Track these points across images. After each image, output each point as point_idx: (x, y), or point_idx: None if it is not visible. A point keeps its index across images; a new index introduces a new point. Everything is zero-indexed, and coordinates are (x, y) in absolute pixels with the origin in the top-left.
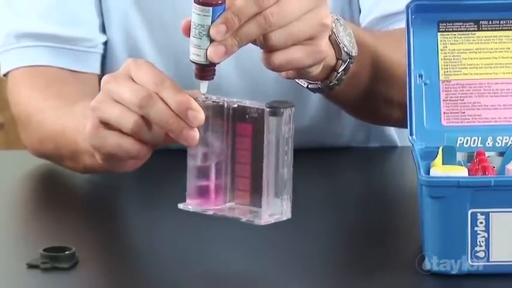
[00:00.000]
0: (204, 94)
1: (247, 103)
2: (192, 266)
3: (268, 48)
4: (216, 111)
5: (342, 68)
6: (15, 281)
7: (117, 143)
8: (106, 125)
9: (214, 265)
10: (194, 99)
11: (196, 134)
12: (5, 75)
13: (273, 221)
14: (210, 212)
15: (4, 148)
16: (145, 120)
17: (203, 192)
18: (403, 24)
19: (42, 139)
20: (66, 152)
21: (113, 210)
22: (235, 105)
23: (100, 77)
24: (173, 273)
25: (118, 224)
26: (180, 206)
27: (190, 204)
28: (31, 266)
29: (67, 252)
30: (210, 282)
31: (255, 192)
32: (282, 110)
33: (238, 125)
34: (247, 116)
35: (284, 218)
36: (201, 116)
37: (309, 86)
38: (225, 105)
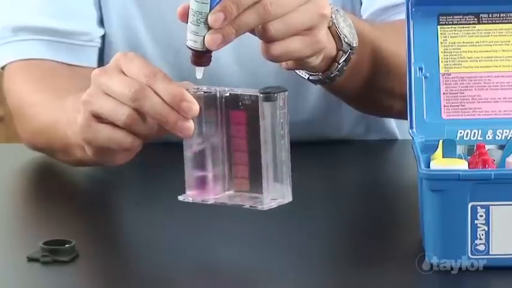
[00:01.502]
0: (196, 86)
1: (239, 91)
2: (191, 257)
3: (267, 39)
4: (208, 101)
5: (343, 58)
6: (16, 274)
7: (110, 136)
8: (98, 118)
9: (213, 256)
10: (188, 90)
11: (191, 125)
12: (2, 68)
13: (275, 206)
14: (211, 202)
15: (4, 141)
16: (139, 112)
17: (202, 183)
18: (404, 15)
19: (34, 132)
20: (58, 146)
21: (113, 204)
22: (228, 94)
23: None
24: (172, 265)
25: (118, 217)
26: (180, 198)
27: (189, 196)
28: (31, 260)
29: (67, 246)
30: (208, 273)
31: (254, 178)
32: (275, 95)
33: (232, 113)
34: (240, 104)
35: (286, 202)
36: (195, 107)
37: (310, 78)
38: (218, 95)
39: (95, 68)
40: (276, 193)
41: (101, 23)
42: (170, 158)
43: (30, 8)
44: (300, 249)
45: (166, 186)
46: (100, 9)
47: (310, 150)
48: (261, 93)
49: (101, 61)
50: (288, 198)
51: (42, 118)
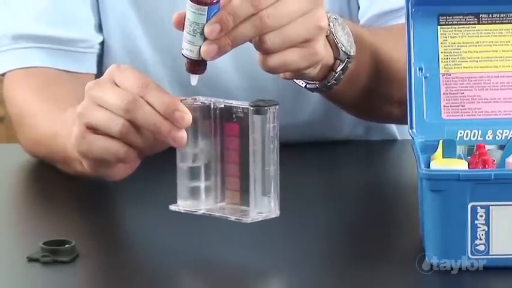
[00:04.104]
0: (193, 97)
1: (233, 103)
2: (191, 257)
3: (264, 51)
4: (203, 112)
5: (340, 67)
6: (16, 274)
7: (105, 147)
8: (93, 130)
9: (212, 256)
10: (182, 100)
11: (184, 134)
12: (2, 75)
13: (260, 219)
14: (200, 212)
15: (4, 141)
16: (133, 123)
17: (193, 193)
18: (402, 20)
19: (34, 142)
20: (58, 157)
21: (113, 204)
22: (222, 106)
23: (97, 77)
24: (172, 265)
25: (118, 217)
26: (172, 207)
27: (181, 205)
28: (31, 260)
29: (67, 246)
30: (207, 273)
31: (245, 191)
32: (266, 108)
33: (225, 125)
34: (233, 116)
35: (272, 216)
36: (188, 116)
37: (307, 86)
38: (212, 106)
39: (95, 75)
40: (264, 207)
41: (100, 29)
42: (171, 159)
43: (30, 16)
44: (300, 249)
45: (166, 187)
46: (98, 14)
47: (310, 150)
48: (251, 106)
49: (100, 67)
50: (275, 212)
51: (42, 129)
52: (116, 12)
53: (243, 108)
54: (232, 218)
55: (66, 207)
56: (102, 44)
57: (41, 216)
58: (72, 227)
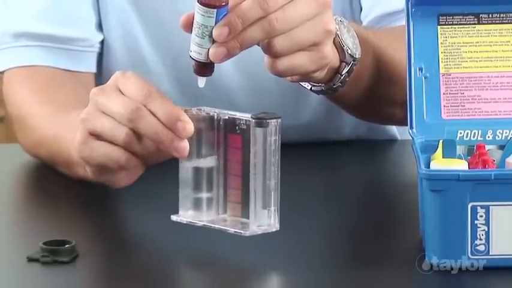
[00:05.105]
0: (197, 108)
1: (237, 115)
2: (186, 258)
3: (272, 55)
4: (207, 123)
5: (346, 70)
6: (16, 274)
7: (107, 153)
8: (96, 136)
9: (212, 255)
10: (186, 111)
11: (186, 145)
12: (1, 72)
13: (259, 232)
14: (200, 224)
15: (4, 141)
16: (136, 132)
17: (196, 204)
18: (403, 22)
19: (35, 143)
20: (60, 160)
21: (113, 204)
22: (226, 117)
23: (96, 76)
24: (173, 265)
25: (118, 217)
26: (173, 217)
27: (182, 216)
28: (31, 260)
29: (67, 246)
30: (208, 272)
31: (246, 204)
32: (267, 121)
33: (229, 136)
34: (237, 128)
35: (272, 230)
36: (189, 126)
37: (313, 89)
38: (216, 117)
39: (94, 74)
40: (264, 220)
41: (100, 27)
42: (172, 160)
43: (30, 14)
44: (300, 248)
45: (166, 187)
46: (99, 13)
47: (311, 150)
48: (253, 118)
49: (100, 66)
50: (275, 226)
51: (43, 131)
52: (117, 10)
53: (246, 120)
54: (232, 230)
55: (67, 207)
56: (102, 42)
57: (41, 216)
58: (72, 227)
